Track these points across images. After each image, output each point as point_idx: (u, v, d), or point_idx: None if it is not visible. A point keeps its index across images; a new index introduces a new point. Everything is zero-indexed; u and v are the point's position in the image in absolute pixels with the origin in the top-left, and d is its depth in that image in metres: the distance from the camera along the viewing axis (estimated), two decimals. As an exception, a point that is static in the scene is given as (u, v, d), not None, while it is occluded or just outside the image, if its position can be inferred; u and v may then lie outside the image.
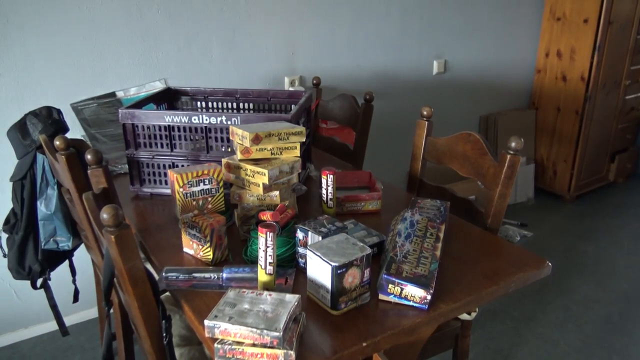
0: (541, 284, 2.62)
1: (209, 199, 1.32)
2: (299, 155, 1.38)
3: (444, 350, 1.59)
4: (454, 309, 1.07)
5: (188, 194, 1.29)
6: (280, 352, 0.89)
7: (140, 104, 1.66)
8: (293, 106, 1.83)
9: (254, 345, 0.89)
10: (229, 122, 1.52)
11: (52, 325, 2.26)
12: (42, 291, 1.74)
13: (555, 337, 2.25)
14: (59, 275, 1.94)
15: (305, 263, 1.18)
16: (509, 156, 1.41)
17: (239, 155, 1.35)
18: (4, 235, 1.68)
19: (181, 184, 1.27)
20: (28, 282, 1.70)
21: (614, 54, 3.36)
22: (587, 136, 3.45)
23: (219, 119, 1.52)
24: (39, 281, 1.71)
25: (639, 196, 3.72)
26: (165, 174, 1.61)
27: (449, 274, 1.17)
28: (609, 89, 3.45)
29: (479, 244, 1.32)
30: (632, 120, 3.79)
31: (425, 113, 1.73)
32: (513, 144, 1.40)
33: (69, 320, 2.27)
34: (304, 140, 1.39)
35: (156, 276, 1.14)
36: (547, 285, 2.63)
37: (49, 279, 1.73)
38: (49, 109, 1.60)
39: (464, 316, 1.49)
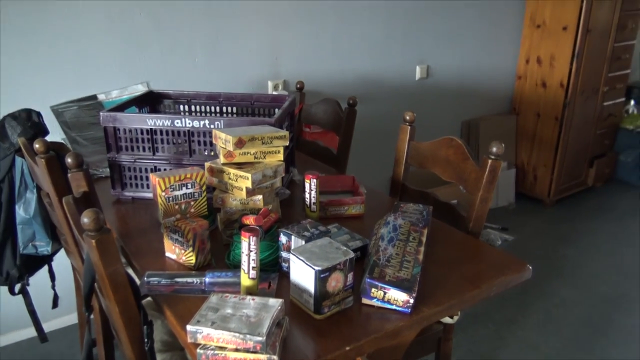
0: (522, 287, 2.65)
1: (192, 203, 1.32)
2: (282, 159, 1.38)
3: (427, 354, 1.60)
4: (436, 312, 1.08)
5: (170, 198, 1.28)
6: (263, 357, 0.88)
7: (122, 107, 1.65)
8: (276, 110, 1.83)
9: (236, 350, 0.89)
10: (212, 126, 1.51)
11: (31, 332, 2.22)
12: (20, 297, 1.71)
13: (536, 340, 2.28)
14: (38, 280, 1.90)
15: (288, 267, 1.18)
16: (490, 161, 1.43)
17: (222, 159, 1.34)
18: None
19: (163, 188, 1.26)
20: (6, 288, 1.67)
21: (593, 61, 3.42)
22: (566, 142, 3.51)
23: (202, 122, 1.51)
24: (17, 286, 1.68)
25: (617, 200, 3.79)
26: (147, 178, 1.60)
27: (432, 277, 1.18)
28: (587, 96, 3.51)
29: (461, 248, 1.33)
30: (609, 126, 3.86)
31: (408, 118, 1.74)
32: (494, 149, 1.41)
33: (48, 327, 2.23)
34: (287, 145, 1.39)
35: (138, 281, 1.13)
36: (527, 288, 2.66)
37: (28, 285, 1.70)
38: (28, 112, 1.58)
39: (447, 320, 1.50)
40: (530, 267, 1.24)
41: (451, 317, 1.48)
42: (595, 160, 3.82)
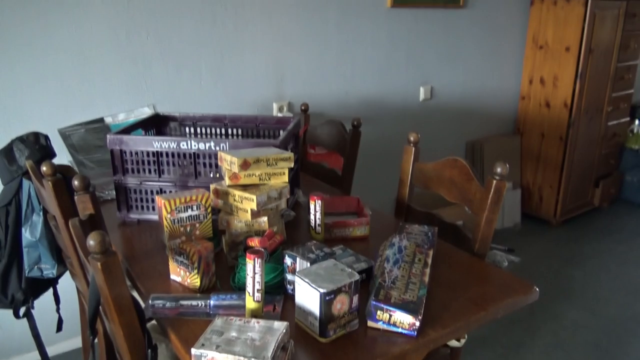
0: (529, 309, 2.62)
1: (197, 225, 1.32)
2: (287, 181, 1.38)
3: (434, 378, 1.58)
4: (442, 335, 1.07)
5: (176, 220, 1.28)
6: (268, 381, 0.87)
7: (128, 129, 1.66)
8: (281, 132, 1.85)
9: (241, 374, 0.88)
10: (218, 148, 1.52)
11: (35, 356, 2.20)
12: (24, 320, 1.70)
13: (545, 363, 2.24)
14: (43, 303, 1.90)
15: (293, 289, 1.17)
16: (495, 182, 1.43)
17: (227, 181, 1.35)
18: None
19: (169, 210, 1.27)
20: (10, 311, 1.67)
21: (596, 81, 3.43)
22: (571, 162, 3.51)
23: (207, 144, 1.53)
24: (22, 310, 1.68)
25: (623, 221, 3.76)
26: (153, 200, 1.61)
27: (438, 300, 1.17)
28: (591, 115, 3.52)
29: (467, 270, 1.33)
30: (615, 146, 3.86)
31: (412, 139, 1.75)
32: (499, 170, 1.41)
33: (52, 351, 2.22)
34: (292, 166, 1.39)
35: (142, 304, 1.13)
36: (535, 310, 2.63)
37: (32, 308, 1.69)
38: (36, 135, 1.60)
39: (453, 343, 1.48)
40: (537, 289, 1.23)
41: (458, 340, 1.47)
42: (600, 180, 3.80)
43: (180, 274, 1.24)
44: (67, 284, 2.08)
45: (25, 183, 1.55)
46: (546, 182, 3.63)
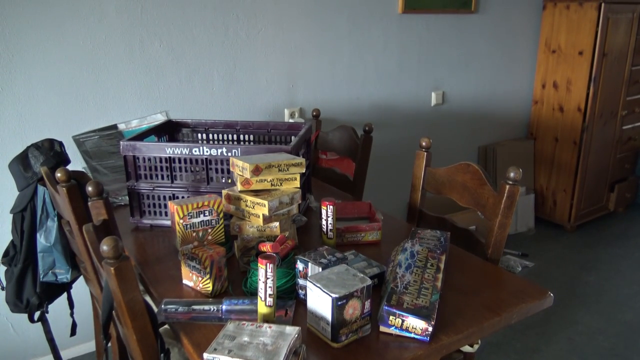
0: (544, 315, 2.59)
1: (209, 230, 1.32)
2: (298, 186, 1.38)
3: (447, 384, 1.56)
4: (455, 341, 1.06)
5: (188, 226, 1.29)
6: (280, 386, 0.87)
7: (141, 136, 1.68)
8: (293, 138, 1.85)
9: (253, 379, 0.88)
10: (230, 154, 1.53)
11: (49, 359, 2.23)
12: (39, 324, 1.72)
13: (560, 370, 2.21)
14: (57, 308, 1.92)
15: (305, 295, 1.17)
16: (508, 186, 1.42)
17: (239, 187, 1.36)
18: (3, 268, 1.67)
19: (181, 216, 1.28)
20: (25, 315, 1.68)
21: (610, 85, 3.40)
22: (585, 166, 3.47)
23: (219, 150, 1.53)
24: (37, 314, 1.70)
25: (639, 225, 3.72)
26: (166, 206, 1.62)
27: (450, 305, 1.16)
28: (605, 120, 3.48)
29: (480, 275, 1.32)
30: (630, 150, 3.81)
31: (424, 144, 1.74)
32: (512, 174, 1.41)
33: (66, 354, 2.24)
34: (303, 172, 1.39)
35: (155, 308, 1.13)
36: (550, 316, 2.60)
37: (47, 312, 1.71)
38: (50, 142, 1.62)
39: (467, 348, 1.47)
40: (552, 295, 1.22)
41: (471, 346, 1.45)
42: (616, 184, 3.76)
43: (193, 279, 1.24)
44: (81, 289, 2.10)
45: (40, 189, 1.57)
46: (560, 187, 3.60)
